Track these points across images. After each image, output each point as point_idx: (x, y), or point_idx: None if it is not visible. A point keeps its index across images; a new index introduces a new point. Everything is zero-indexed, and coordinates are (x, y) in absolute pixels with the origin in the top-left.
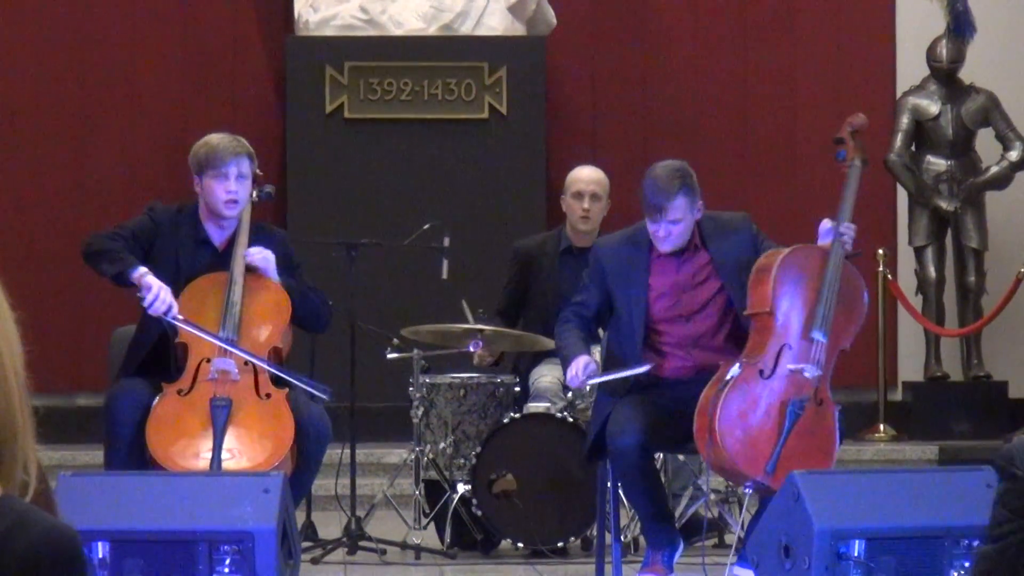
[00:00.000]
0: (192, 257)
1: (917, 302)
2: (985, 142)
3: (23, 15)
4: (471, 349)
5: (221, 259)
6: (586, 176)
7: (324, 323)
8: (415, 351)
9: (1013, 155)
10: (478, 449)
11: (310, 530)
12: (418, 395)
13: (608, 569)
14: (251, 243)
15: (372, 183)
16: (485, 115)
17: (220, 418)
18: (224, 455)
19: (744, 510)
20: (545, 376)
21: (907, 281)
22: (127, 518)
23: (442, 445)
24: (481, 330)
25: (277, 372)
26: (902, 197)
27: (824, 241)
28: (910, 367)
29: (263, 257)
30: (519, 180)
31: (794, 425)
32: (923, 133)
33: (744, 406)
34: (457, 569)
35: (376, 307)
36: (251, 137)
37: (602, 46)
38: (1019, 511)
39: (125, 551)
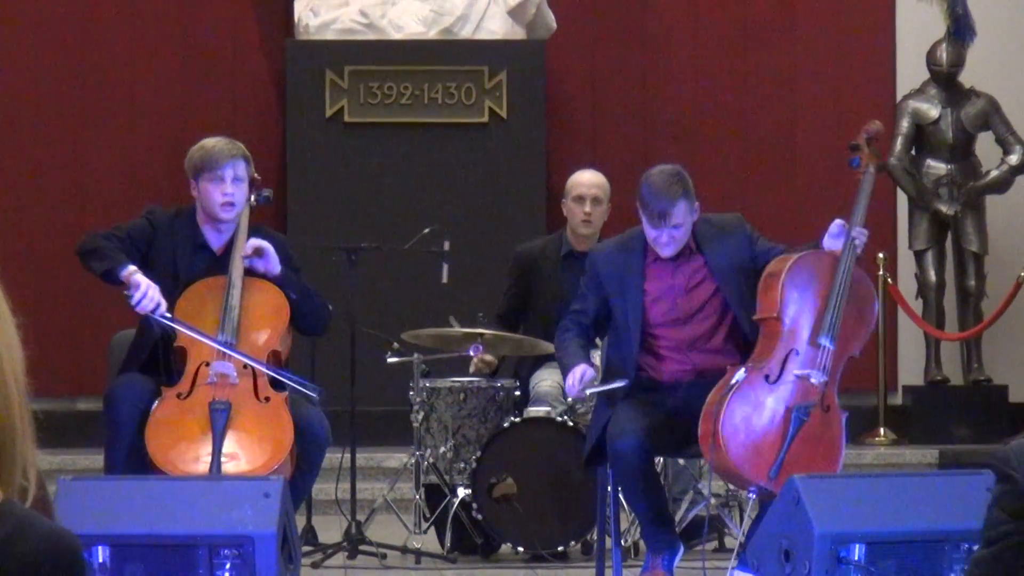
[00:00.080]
0: (190, 261)
1: (917, 306)
2: (985, 146)
3: (23, 20)
4: (471, 354)
5: (219, 263)
6: (587, 180)
7: (323, 326)
8: (415, 355)
9: (1013, 159)
10: (478, 453)
11: (310, 534)
12: (418, 399)
13: (608, 573)
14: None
15: (372, 187)
16: (485, 119)
17: (219, 422)
18: (223, 459)
19: (747, 515)
20: (545, 380)
21: (907, 285)
22: (127, 522)
23: (442, 449)
24: (481, 334)
25: (267, 371)
26: (902, 201)
27: (833, 240)
28: (910, 371)
29: (260, 247)
30: (519, 184)
31: (798, 431)
32: (923, 137)
33: (749, 411)
34: (457, 573)
35: (376, 311)
36: (251, 141)
37: (602, 50)
38: (1015, 513)
39: (125, 555)
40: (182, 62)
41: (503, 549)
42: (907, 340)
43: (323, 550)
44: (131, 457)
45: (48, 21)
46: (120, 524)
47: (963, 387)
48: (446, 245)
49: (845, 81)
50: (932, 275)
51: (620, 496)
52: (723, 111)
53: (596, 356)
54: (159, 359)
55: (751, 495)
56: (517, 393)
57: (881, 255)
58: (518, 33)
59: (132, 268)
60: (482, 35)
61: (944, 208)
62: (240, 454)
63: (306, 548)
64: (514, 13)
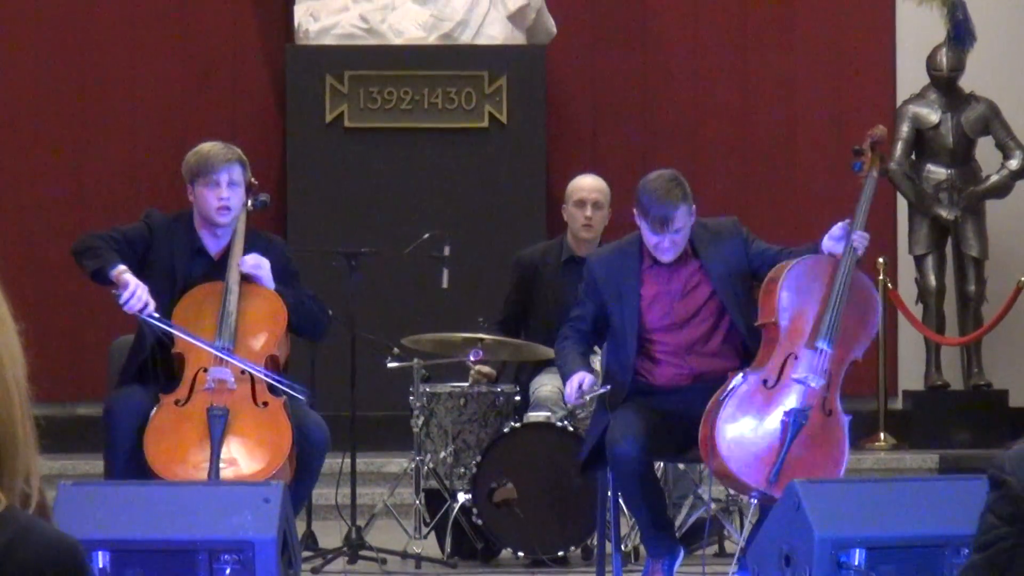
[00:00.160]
0: (187, 265)
1: (917, 311)
2: (985, 151)
3: (24, 26)
4: (471, 358)
5: (217, 268)
6: (588, 184)
7: (321, 332)
8: (415, 360)
9: (1013, 164)
10: (478, 458)
11: (310, 539)
12: (418, 404)
13: None
14: (249, 251)
15: (372, 192)
16: (485, 124)
17: (217, 428)
18: (222, 464)
19: (747, 520)
20: (545, 385)
21: (907, 290)
22: (128, 527)
23: (442, 454)
24: (481, 339)
25: (254, 370)
26: (902, 206)
27: (834, 242)
28: (910, 376)
29: (256, 264)
30: (519, 189)
31: (796, 435)
32: (923, 142)
33: (746, 416)
34: None
35: (376, 316)
36: (251, 146)
37: (602, 55)
38: (1008, 518)
39: (126, 561)
40: (182, 67)
41: (503, 554)
42: (907, 345)
43: (323, 555)
44: (130, 469)
45: (49, 27)
46: (120, 529)
47: (963, 392)
48: (446, 250)
49: (845, 86)
50: (932, 280)
51: (620, 501)
52: (723, 116)
53: (596, 362)
54: (157, 366)
55: (752, 500)
56: (517, 398)
57: (881, 260)
58: (518, 38)
59: (122, 268)
60: (482, 40)
61: (944, 213)
62: (239, 460)
63: (306, 553)
64: (514, 18)
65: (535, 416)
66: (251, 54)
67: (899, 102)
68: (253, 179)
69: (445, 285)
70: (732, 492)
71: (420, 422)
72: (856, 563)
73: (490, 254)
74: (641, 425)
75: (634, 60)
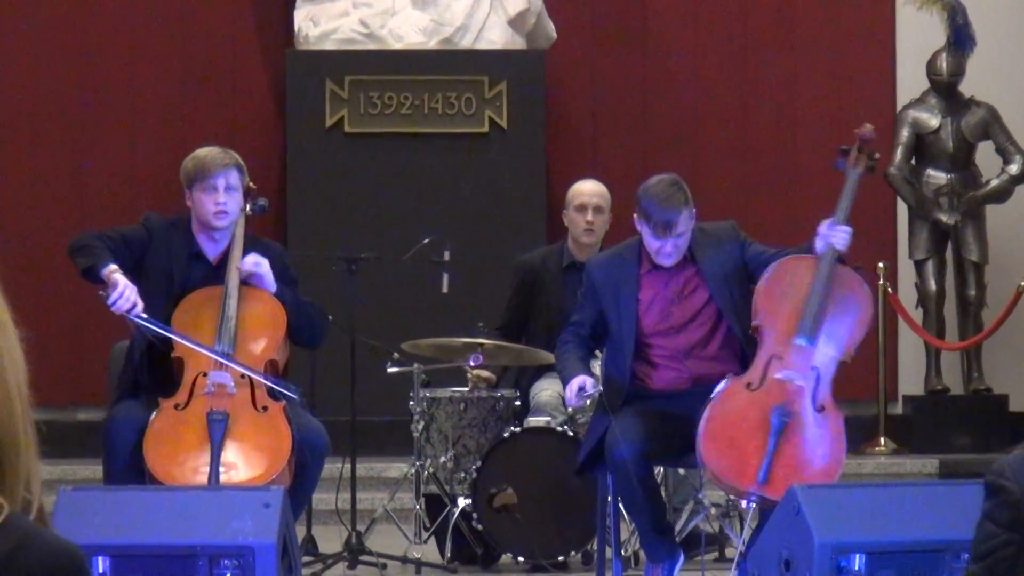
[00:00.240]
0: (185, 270)
1: (917, 315)
2: (985, 155)
3: (24, 31)
4: (471, 363)
5: (216, 272)
6: (589, 189)
7: (319, 337)
8: (415, 365)
9: (1013, 168)
10: (478, 463)
11: (311, 544)
12: (418, 409)
13: None
14: (246, 255)
15: (372, 197)
16: (485, 129)
17: (217, 432)
18: (221, 469)
19: (747, 524)
20: (546, 390)
21: (907, 294)
22: (128, 533)
23: (442, 459)
24: (481, 344)
25: (252, 374)
26: (902, 210)
27: (817, 241)
28: (910, 380)
29: (255, 263)
30: (519, 194)
31: (780, 434)
32: (923, 146)
33: (728, 419)
34: None
35: (376, 321)
36: (251, 151)
37: (602, 59)
38: (1008, 524)
39: (126, 566)
40: (182, 72)
41: (503, 559)
42: (907, 349)
43: (323, 560)
44: (130, 475)
45: (49, 31)
46: (121, 534)
47: (963, 396)
48: (446, 255)
49: (845, 90)
50: (932, 284)
51: (620, 505)
52: (723, 121)
53: (596, 366)
54: (157, 371)
55: (750, 504)
56: (517, 403)
57: (881, 264)
58: (518, 43)
59: (113, 267)
60: (482, 45)
61: (944, 217)
62: (238, 464)
63: (306, 558)
64: (514, 23)
65: (535, 421)
66: (251, 59)
67: (899, 107)
68: (251, 184)
69: (445, 290)
70: (732, 497)
71: (420, 427)
72: (856, 568)
73: (490, 259)
74: (641, 429)
75: (634, 65)
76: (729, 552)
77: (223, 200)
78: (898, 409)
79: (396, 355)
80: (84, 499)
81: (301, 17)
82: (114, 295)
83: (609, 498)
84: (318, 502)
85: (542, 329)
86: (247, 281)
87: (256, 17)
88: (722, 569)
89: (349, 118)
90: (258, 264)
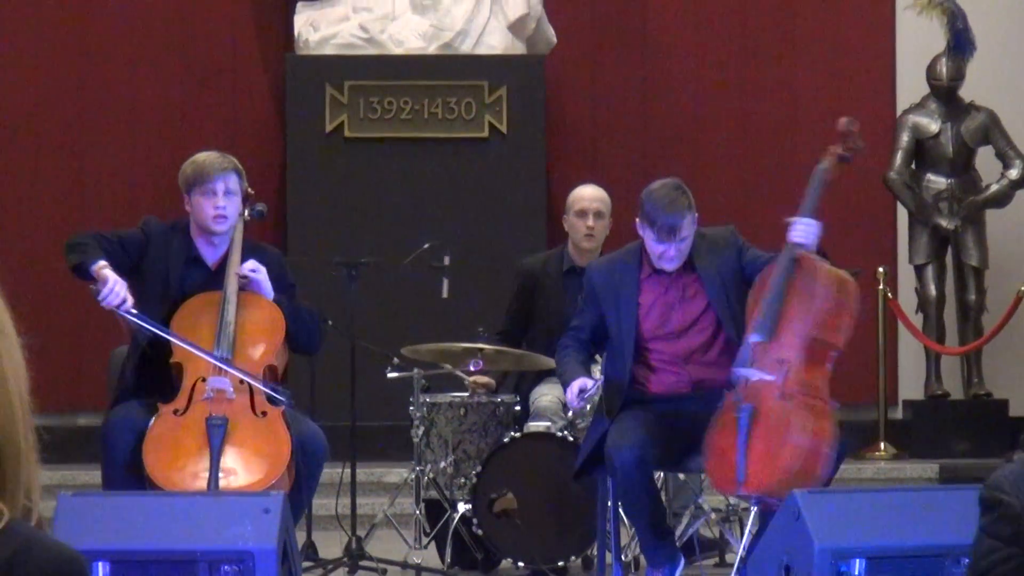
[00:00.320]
0: (183, 274)
1: (917, 320)
2: (985, 160)
3: (24, 34)
4: (471, 368)
5: (214, 278)
6: (589, 194)
7: (316, 343)
8: (415, 370)
9: (1013, 173)
10: (478, 468)
11: (311, 549)
12: (418, 414)
13: None
14: (244, 260)
15: (372, 202)
16: (485, 134)
17: (216, 437)
18: (221, 474)
19: (747, 530)
20: (546, 395)
21: (907, 299)
22: (128, 538)
23: (442, 464)
24: (482, 349)
25: (249, 380)
26: (902, 215)
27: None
28: (910, 385)
29: (253, 268)
30: (519, 199)
31: (747, 430)
32: (923, 151)
33: (711, 428)
34: None
35: (376, 326)
36: (251, 156)
37: (602, 64)
38: (1009, 538)
39: (126, 571)
40: (182, 76)
41: (503, 564)
42: (907, 354)
43: (323, 565)
44: (128, 481)
45: (50, 35)
46: (120, 540)
47: (963, 401)
48: (446, 260)
49: (845, 95)
50: (932, 289)
51: (620, 511)
52: (724, 125)
53: (596, 371)
54: (156, 377)
55: (753, 505)
56: (517, 408)
57: (881, 269)
58: (518, 48)
59: (103, 263)
60: (482, 50)
61: (944, 222)
62: (238, 469)
63: (306, 563)
64: (514, 28)
65: (535, 426)
66: (251, 63)
67: (899, 111)
68: (250, 189)
69: (445, 295)
70: (732, 502)
71: (420, 432)
72: (856, 573)
73: (490, 264)
74: (641, 433)
75: (634, 69)
76: (729, 557)
77: (222, 204)
78: (898, 414)
79: (396, 360)
80: (84, 504)
81: (301, 22)
82: (104, 290)
83: (609, 503)
84: (318, 507)
85: (542, 334)
86: (245, 286)
87: (256, 21)
88: (722, 574)
89: (349, 123)
90: (255, 270)
